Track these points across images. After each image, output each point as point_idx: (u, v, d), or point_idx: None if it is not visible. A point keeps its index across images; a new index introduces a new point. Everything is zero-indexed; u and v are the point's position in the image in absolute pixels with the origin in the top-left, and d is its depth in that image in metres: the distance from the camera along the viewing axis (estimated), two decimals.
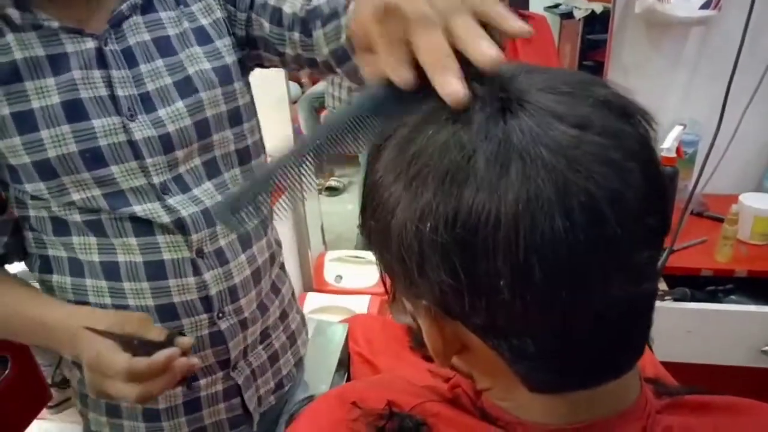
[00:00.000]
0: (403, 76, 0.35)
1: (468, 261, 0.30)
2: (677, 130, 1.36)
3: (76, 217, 0.67)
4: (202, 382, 0.76)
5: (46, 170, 0.63)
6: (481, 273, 0.30)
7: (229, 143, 0.74)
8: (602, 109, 0.32)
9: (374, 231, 0.35)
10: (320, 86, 3.10)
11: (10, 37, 0.61)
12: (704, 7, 1.32)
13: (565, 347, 0.32)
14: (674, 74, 1.50)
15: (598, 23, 1.80)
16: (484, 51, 0.32)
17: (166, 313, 0.70)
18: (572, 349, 0.33)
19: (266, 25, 0.73)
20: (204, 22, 0.72)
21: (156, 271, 0.69)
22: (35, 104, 0.62)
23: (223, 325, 0.74)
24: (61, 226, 0.68)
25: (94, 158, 0.64)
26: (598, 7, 1.91)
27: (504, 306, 0.30)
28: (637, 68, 1.51)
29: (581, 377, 0.35)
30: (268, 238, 0.82)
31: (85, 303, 0.70)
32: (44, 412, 1.27)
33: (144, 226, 0.68)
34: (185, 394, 0.75)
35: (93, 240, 0.67)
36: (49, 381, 1.41)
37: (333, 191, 3.30)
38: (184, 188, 0.70)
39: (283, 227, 1.44)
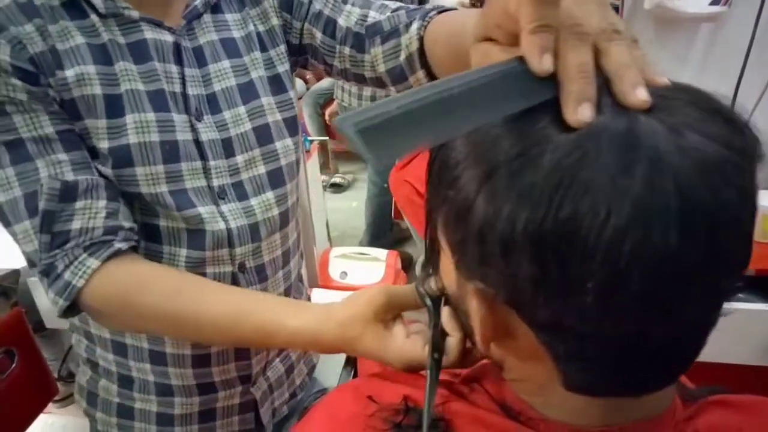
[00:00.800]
0: (546, 64, 0.31)
1: (561, 258, 0.28)
2: None
3: (135, 217, 0.65)
4: (221, 394, 0.75)
5: (122, 157, 0.61)
6: (571, 273, 0.29)
7: (291, 153, 0.74)
8: (730, 126, 0.31)
9: (449, 201, 0.33)
10: (325, 83, 3.09)
11: (95, 19, 0.61)
12: (714, 3, 1.31)
13: (624, 354, 0.32)
14: (683, 71, 1.48)
15: None
16: (639, 95, 0.30)
17: None
18: (630, 356, 0.32)
19: (318, 35, 0.72)
20: (261, 28, 0.72)
21: None
22: (123, 87, 0.61)
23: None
24: None
25: (171, 151, 0.63)
26: None
27: (581, 309, 0.29)
28: None
29: (629, 384, 0.35)
30: (299, 252, 0.82)
31: None
32: (50, 405, 1.28)
33: (196, 238, 0.66)
34: (201, 403, 0.75)
35: (141, 244, 0.66)
36: (55, 375, 1.41)
37: (337, 188, 3.30)
38: (242, 196, 0.69)
39: None
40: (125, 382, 0.74)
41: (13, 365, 1.13)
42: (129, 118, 0.61)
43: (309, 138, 2.09)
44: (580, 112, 0.30)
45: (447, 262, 0.38)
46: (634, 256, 0.27)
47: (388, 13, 0.68)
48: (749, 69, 1.36)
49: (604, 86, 0.31)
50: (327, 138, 3.02)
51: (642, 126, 0.29)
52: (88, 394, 0.78)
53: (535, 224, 0.28)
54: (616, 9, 1.52)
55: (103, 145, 0.60)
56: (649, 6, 1.37)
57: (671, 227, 0.27)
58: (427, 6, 0.68)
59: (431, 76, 0.66)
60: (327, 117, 3.07)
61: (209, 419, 0.76)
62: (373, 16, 0.69)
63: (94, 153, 0.61)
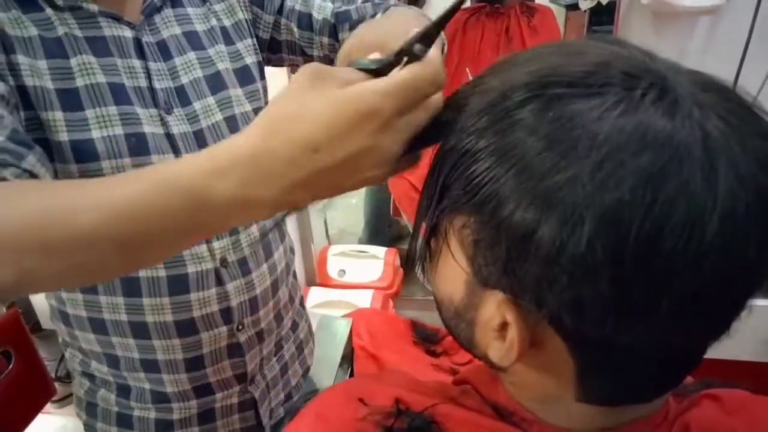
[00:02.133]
0: None
1: (640, 278, 0.28)
2: None
3: None
4: (219, 395, 0.75)
5: (87, 151, 0.59)
6: (649, 292, 0.28)
7: None
8: None
9: (485, 217, 0.32)
10: None
11: (50, 12, 0.59)
12: None
13: (655, 365, 0.32)
14: (682, 63, 1.48)
15: (604, 14, 1.77)
16: None
17: (185, 328, 0.68)
18: (659, 367, 0.33)
19: (295, 29, 0.75)
20: (227, 23, 0.72)
21: (179, 285, 0.67)
22: (80, 82, 0.59)
23: (242, 337, 0.73)
24: None
25: (138, 144, 0.62)
26: None
27: (645, 326, 0.29)
28: None
29: (644, 393, 0.35)
30: (284, 245, 0.81)
31: (99, 319, 0.68)
32: (48, 406, 1.27)
33: None
34: (200, 405, 0.74)
35: None
36: (53, 375, 1.41)
37: None
38: None
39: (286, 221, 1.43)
40: (122, 391, 0.74)
41: (10, 366, 1.12)
42: (90, 113, 0.59)
43: None
44: None
45: (451, 267, 0.36)
46: (716, 272, 0.28)
47: (356, 5, 0.73)
48: (748, 61, 1.36)
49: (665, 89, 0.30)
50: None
51: (714, 133, 0.28)
52: (87, 405, 0.77)
53: (617, 245, 0.27)
54: (614, 4, 1.52)
55: (63, 138, 0.58)
56: (647, 0, 1.37)
57: (752, 242, 0.28)
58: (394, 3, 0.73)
59: None
60: None
61: (209, 420, 0.76)
62: (340, 7, 0.74)
63: (52, 148, 0.58)
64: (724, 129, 0.28)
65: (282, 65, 0.81)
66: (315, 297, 1.72)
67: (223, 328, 0.71)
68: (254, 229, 0.73)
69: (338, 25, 0.73)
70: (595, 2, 1.95)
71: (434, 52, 0.36)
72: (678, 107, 0.29)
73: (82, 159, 0.59)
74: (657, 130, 0.28)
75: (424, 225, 0.39)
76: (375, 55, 0.38)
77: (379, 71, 0.36)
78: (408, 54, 0.36)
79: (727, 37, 1.41)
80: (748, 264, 0.28)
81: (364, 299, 1.71)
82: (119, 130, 0.60)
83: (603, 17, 1.82)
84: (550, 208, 0.28)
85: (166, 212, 0.36)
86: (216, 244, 0.68)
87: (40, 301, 1.47)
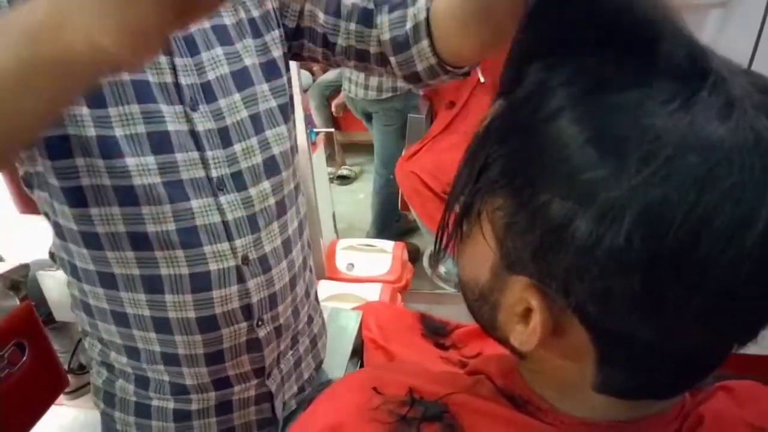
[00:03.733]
0: None
1: (673, 276, 0.28)
2: None
3: (120, 228, 0.63)
4: (236, 388, 0.76)
5: (112, 147, 0.59)
6: (680, 291, 0.28)
7: (285, 140, 0.73)
8: None
9: (521, 204, 0.32)
10: (331, 74, 3.09)
11: None
12: None
13: (678, 363, 0.33)
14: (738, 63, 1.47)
15: None
16: None
17: (207, 324, 0.69)
18: (683, 365, 0.33)
19: (321, 15, 0.72)
20: (255, 14, 0.71)
21: (201, 282, 0.67)
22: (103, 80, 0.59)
23: (261, 333, 0.74)
24: (92, 239, 0.64)
25: (161, 142, 0.62)
26: None
27: (671, 324, 0.29)
28: None
29: (663, 389, 0.35)
30: (302, 240, 0.81)
31: (121, 312, 0.69)
32: (61, 398, 1.29)
33: (191, 235, 0.65)
34: (218, 397, 0.75)
35: (131, 254, 0.64)
36: (65, 367, 1.42)
37: (344, 180, 3.30)
38: (240, 186, 0.68)
39: None
40: (141, 382, 0.74)
41: (24, 358, 1.14)
42: (113, 111, 0.59)
43: (315, 130, 2.09)
44: None
45: (480, 248, 0.36)
46: (750, 281, 0.27)
47: None
48: (759, 55, 1.35)
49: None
50: (333, 130, 3.02)
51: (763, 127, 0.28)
52: (105, 395, 0.78)
53: (655, 243, 0.27)
54: None
55: (90, 133, 0.58)
56: None
57: None
58: None
59: (433, 46, 0.67)
60: (333, 109, 3.07)
61: (226, 411, 0.76)
62: None
63: (82, 143, 0.58)
64: None
65: (301, 55, 0.78)
66: (324, 290, 1.73)
67: (243, 324, 0.72)
68: (275, 227, 0.74)
69: (376, 8, 0.69)
70: None
71: None
72: (733, 109, 0.28)
73: (108, 155, 0.60)
74: (710, 131, 0.27)
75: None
76: None
77: None
78: None
79: (738, 30, 1.40)
80: None
81: (372, 293, 1.71)
82: (141, 129, 0.60)
83: None
84: (590, 201, 0.28)
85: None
86: (238, 242, 0.68)
87: (53, 295, 1.49)
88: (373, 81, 2.27)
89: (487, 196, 0.35)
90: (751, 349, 0.33)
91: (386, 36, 0.69)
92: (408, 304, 1.81)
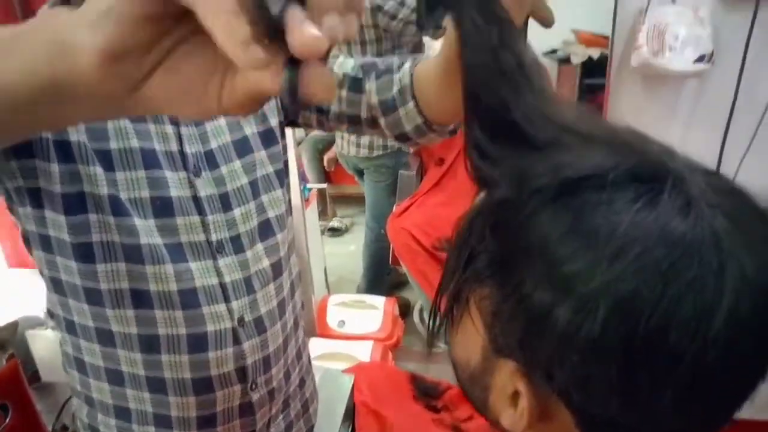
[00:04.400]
0: None
1: (647, 364, 0.30)
2: None
3: (124, 284, 0.64)
4: None
5: (118, 207, 0.62)
6: (654, 378, 0.30)
7: (281, 203, 0.76)
8: None
9: (505, 294, 0.34)
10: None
11: None
12: (698, 61, 1.36)
13: None
14: (671, 124, 1.53)
15: (595, 68, 1.84)
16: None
17: (202, 386, 0.69)
18: None
19: None
20: None
21: (198, 343, 0.68)
22: (113, 145, 0.62)
23: (255, 396, 0.74)
24: (95, 295, 0.65)
25: (163, 207, 0.64)
26: (595, 53, 1.96)
27: (647, 410, 0.31)
28: (634, 118, 1.55)
29: None
30: (294, 300, 0.82)
31: (116, 370, 0.69)
32: None
33: (190, 296, 0.67)
34: None
35: (131, 313, 0.66)
36: (49, 428, 1.39)
37: (335, 232, 3.32)
38: (238, 249, 0.71)
39: None
40: None
41: (7, 420, 1.12)
42: (120, 175, 0.62)
43: (308, 186, 2.13)
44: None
45: (470, 333, 0.38)
46: (719, 366, 0.30)
47: (379, 59, 0.75)
48: (734, 122, 1.41)
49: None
50: (325, 185, 3.06)
51: (723, 236, 0.30)
52: (91, 429, 0.76)
53: (628, 333, 0.29)
54: (605, 59, 1.58)
55: (103, 192, 0.62)
56: (636, 64, 1.43)
57: (754, 340, 0.30)
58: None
59: (419, 108, 0.71)
60: (325, 163, 3.12)
61: None
62: (366, 60, 0.75)
63: (96, 201, 0.61)
64: (732, 231, 0.30)
65: (297, 122, 0.81)
66: (316, 349, 1.72)
67: (237, 387, 0.72)
68: (271, 288, 0.75)
69: (365, 76, 0.74)
70: (586, 57, 2.03)
71: None
72: (692, 208, 0.31)
73: (118, 213, 0.63)
74: (672, 228, 0.30)
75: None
76: None
77: None
78: None
79: (714, 98, 1.47)
80: (748, 360, 0.31)
81: (363, 351, 1.70)
82: (146, 193, 0.64)
83: (594, 71, 1.89)
84: (568, 293, 0.30)
85: None
86: (235, 304, 0.70)
87: (40, 354, 1.47)
88: (365, 139, 2.32)
89: (475, 285, 0.37)
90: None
91: (374, 100, 0.73)
92: (399, 362, 1.80)
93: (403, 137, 0.75)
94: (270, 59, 0.25)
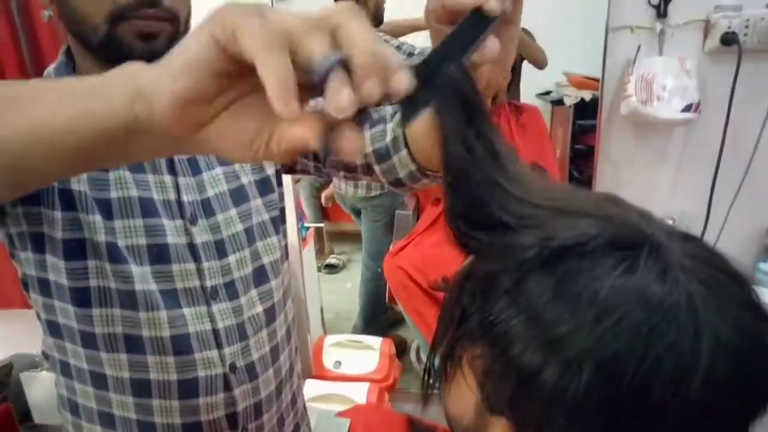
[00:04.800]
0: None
1: (630, 425, 0.31)
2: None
3: (118, 329, 0.66)
4: None
5: (116, 254, 0.64)
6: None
7: (276, 249, 0.78)
8: (751, 293, 0.35)
9: (496, 356, 0.35)
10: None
11: None
12: (685, 110, 1.41)
13: None
14: (661, 169, 1.57)
15: (588, 110, 1.89)
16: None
17: (192, 431, 0.70)
18: None
19: None
20: None
21: (188, 389, 0.69)
22: (113, 194, 0.65)
23: None
24: (89, 339, 0.67)
25: (160, 254, 0.66)
26: (588, 95, 2.01)
27: None
28: (625, 163, 1.58)
29: None
30: (290, 346, 0.83)
31: (108, 413, 0.69)
32: None
33: (183, 342, 0.68)
34: None
35: (124, 357, 0.67)
36: None
37: (332, 269, 3.31)
38: (233, 295, 0.72)
39: None
40: None
41: None
42: (118, 223, 0.65)
43: (306, 225, 2.14)
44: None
45: (463, 390, 0.39)
46: (700, 426, 0.31)
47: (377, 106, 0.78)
48: (722, 169, 1.45)
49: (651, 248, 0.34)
50: (323, 224, 3.08)
51: (698, 301, 0.32)
52: None
53: (611, 394, 0.31)
54: (592, 110, 1.63)
55: (101, 239, 0.64)
56: (626, 112, 1.47)
57: (732, 399, 0.32)
58: None
59: (411, 155, 0.74)
60: (323, 200, 3.14)
61: None
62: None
63: (94, 247, 0.64)
64: (707, 296, 0.32)
65: (294, 169, 0.83)
66: (311, 390, 1.71)
67: None
68: (264, 334, 0.76)
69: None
70: (579, 99, 2.08)
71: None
72: (668, 273, 0.32)
73: (115, 260, 0.64)
74: (650, 293, 0.32)
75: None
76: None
77: None
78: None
79: (701, 145, 1.51)
80: (729, 419, 0.32)
81: (360, 392, 1.69)
82: (143, 241, 0.66)
83: (587, 112, 1.94)
84: (554, 355, 0.32)
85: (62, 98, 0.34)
86: (227, 350, 0.71)
87: (34, 396, 1.46)
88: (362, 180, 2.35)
89: (468, 344, 0.38)
90: None
91: (369, 149, 0.76)
92: (396, 404, 1.79)
93: (397, 183, 0.78)
94: (307, 115, 0.30)
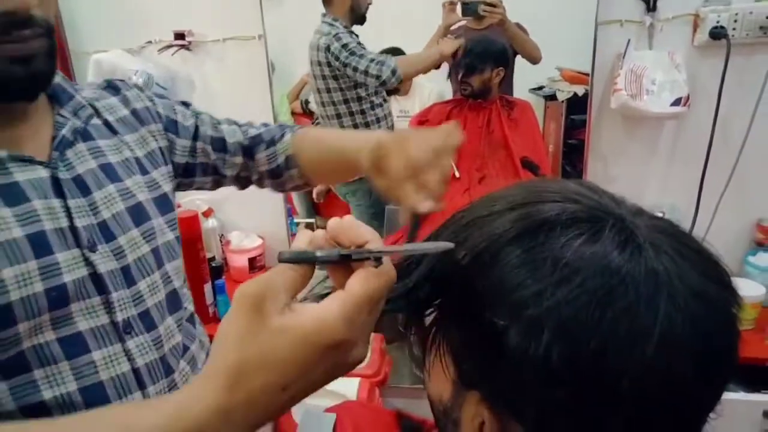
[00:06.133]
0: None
1: (593, 387, 0.32)
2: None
3: (9, 406, 0.55)
4: None
5: (3, 317, 0.53)
6: (602, 401, 0.32)
7: (182, 272, 0.74)
8: (716, 266, 0.36)
9: (469, 325, 0.37)
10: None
11: None
12: (675, 104, 1.41)
13: None
14: (651, 162, 1.57)
15: (580, 104, 1.89)
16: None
17: None
18: None
19: (211, 152, 0.83)
20: (139, 153, 0.72)
21: None
22: None
23: None
24: None
25: (59, 297, 0.57)
26: (580, 90, 2.01)
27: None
28: (615, 157, 1.58)
29: None
30: None
31: None
32: None
33: (95, 393, 0.59)
34: None
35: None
36: None
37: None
38: (150, 326, 0.66)
39: None
40: None
41: None
42: (7, 272, 0.54)
43: (296, 220, 2.13)
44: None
45: (441, 369, 0.41)
46: (659, 389, 0.32)
47: (263, 129, 0.87)
48: (712, 162, 1.45)
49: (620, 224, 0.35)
50: (314, 220, 3.07)
51: (659, 268, 0.33)
52: None
53: (571, 355, 0.32)
54: (585, 105, 1.63)
55: None
56: (615, 106, 1.47)
57: (689, 363, 0.32)
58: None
59: (301, 173, 0.86)
60: (315, 195, 3.13)
61: None
62: (252, 131, 0.86)
63: None
64: (669, 266, 0.34)
65: (189, 188, 0.85)
66: None
67: None
68: (186, 365, 0.72)
69: (254, 147, 0.85)
70: (572, 93, 2.08)
71: (387, 262, 0.35)
72: (630, 243, 0.34)
73: None
74: (609, 259, 0.33)
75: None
76: (302, 243, 0.36)
77: (327, 262, 0.35)
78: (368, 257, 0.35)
79: (691, 138, 1.51)
80: (688, 383, 0.33)
81: (350, 388, 1.68)
82: (39, 287, 0.56)
83: (580, 107, 1.94)
84: (518, 318, 0.33)
85: None
86: (151, 389, 0.65)
87: None
88: None
89: (446, 324, 0.40)
90: None
91: (264, 168, 0.86)
92: (387, 398, 1.78)
93: (282, 190, 0.91)
94: None
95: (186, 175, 0.82)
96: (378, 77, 1.66)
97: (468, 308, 0.37)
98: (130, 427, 0.35)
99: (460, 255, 0.38)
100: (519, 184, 0.42)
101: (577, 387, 0.32)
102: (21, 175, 0.58)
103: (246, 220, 1.88)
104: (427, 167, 0.64)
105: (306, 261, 0.35)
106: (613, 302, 0.32)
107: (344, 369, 0.36)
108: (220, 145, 0.83)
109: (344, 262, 0.35)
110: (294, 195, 3.19)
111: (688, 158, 1.51)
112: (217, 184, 0.87)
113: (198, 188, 0.87)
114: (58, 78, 0.66)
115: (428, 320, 0.43)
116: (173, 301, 0.70)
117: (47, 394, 0.56)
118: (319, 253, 0.35)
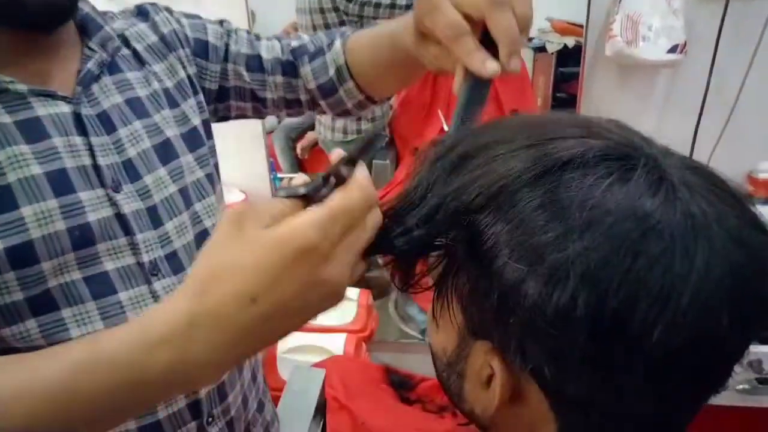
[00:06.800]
0: (490, 68, 0.47)
1: (618, 339, 0.30)
2: None
3: (39, 343, 0.55)
4: None
5: (24, 255, 0.52)
6: (626, 354, 0.30)
7: (215, 211, 0.70)
8: (752, 213, 0.34)
9: (479, 272, 0.34)
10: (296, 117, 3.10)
11: None
12: (671, 51, 1.37)
13: (633, 429, 0.34)
14: (645, 112, 1.54)
15: (571, 57, 1.85)
16: (513, 65, 0.47)
17: (153, 430, 0.61)
18: (639, 427, 0.34)
19: (245, 73, 0.73)
20: (168, 84, 0.68)
21: None
22: (12, 178, 0.52)
23: (213, 430, 0.67)
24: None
25: (82, 236, 0.56)
26: (571, 41, 1.96)
27: (622, 387, 0.31)
28: (608, 107, 1.55)
29: None
30: None
31: None
32: None
33: None
34: None
35: None
36: None
37: None
38: (178, 268, 0.63)
39: None
40: None
41: None
42: (27, 210, 0.52)
43: (279, 175, 2.09)
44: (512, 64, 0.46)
45: (448, 318, 0.39)
46: (690, 340, 0.29)
47: (307, 38, 0.74)
48: (707, 110, 1.43)
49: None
50: (297, 175, 3.02)
51: (696, 211, 0.31)
52: None
53: (597, 302, 0.29)
54: (581, 48, 1.58)
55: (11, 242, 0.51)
56: (610, 53, 1.43)
57: (724, 314, 0.29)
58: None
59: (358, 85, 0.72)
60: (299, 151, 3.07)
61: None
62: (294, 43, 0.74)
63: None
64: (707, 208, 0.31)
65: (229, 116, 0.78)
66: (287, 341, 1.69)
67: (192, 425, 0.65)
68: None
69: (297, 60, 0.73)
70: (562, 45, 2.02)
71: (360, 172, 0.36)
72: (664, 184, 0.31)
73: (20, 265, 0.53)
74: (642, 202, 0.30)
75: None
76: (299, 180, 0.37)
77: (307, 197, 0.36)
78: (336, 176, 0.36)
79: (687, 86, 1.48)
80: (720, 335, 0.30)
81: (337, 343, 1.68)
82: (61, 225, 0.54)
83: (570, 60, 1.89)
84: (539, 262, 0.31)
85: (104, 395, 0.35)
86: None
87: None
88: (339, 123, 2.30)
89: (456, 272, 0.37)
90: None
91: (312, 85, 0.73)
92: (374, 353, 1.79)
93: (344, 113, 0.77)
94: None
95: (220, 99, 0.75)
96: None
97: (481, 252, 0.34)
98: (99, 342, 0.36)
99: (471, 195, 0.34)
100: (532, 118, 0.39)
101: (602, 335, 0.30)
102: (43, 110, 0.56)
103: (228, 173, 1.82)
104: (494, 6, 0.45)
105: (294, 195, 0.36)
106: (646, 248, 0.29)
107: (319, 290, 0.34)
108: (255, 63, 0.73)
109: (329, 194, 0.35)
110: (277, 150, 3.13)
111: (683, 107, 1.48)
112: (258, 112, 0.77)
113: (239, 116, 0.78)
114: (87, 8, 0.63)
115: (433, 268, 0.40)
116: (203, 243, 0.66)
117: (75, 333, 0.56)
118: (302, 190, 0.35)
